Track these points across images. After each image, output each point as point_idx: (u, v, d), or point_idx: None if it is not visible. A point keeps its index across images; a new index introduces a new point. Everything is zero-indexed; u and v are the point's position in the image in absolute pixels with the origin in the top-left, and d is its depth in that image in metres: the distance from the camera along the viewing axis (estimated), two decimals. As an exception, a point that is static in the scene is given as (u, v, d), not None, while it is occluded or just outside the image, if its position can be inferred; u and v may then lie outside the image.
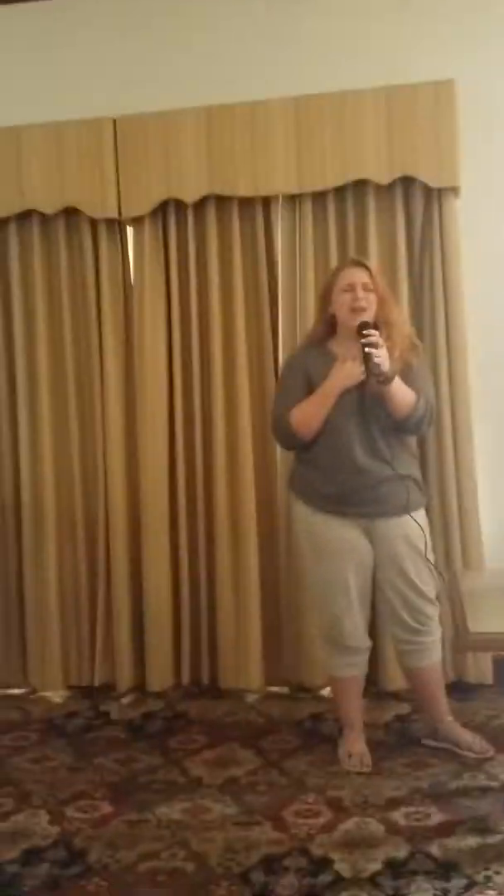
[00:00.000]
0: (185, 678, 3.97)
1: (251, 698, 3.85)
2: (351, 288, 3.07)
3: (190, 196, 3.79)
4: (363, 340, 2.93)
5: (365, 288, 3.07)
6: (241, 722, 3.60)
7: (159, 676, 3.94)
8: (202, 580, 3.95)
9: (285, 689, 3.92)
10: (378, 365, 2.91)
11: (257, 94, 3.73)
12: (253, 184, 3.75)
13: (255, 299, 3.88)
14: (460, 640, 1.90)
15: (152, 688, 3.93)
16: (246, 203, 3.83)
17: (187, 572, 3.95)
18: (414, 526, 3.11)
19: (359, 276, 3.09)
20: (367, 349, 2.91)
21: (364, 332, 2.96)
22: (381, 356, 2.92)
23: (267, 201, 3.85)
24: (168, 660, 3.96)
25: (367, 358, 2.91)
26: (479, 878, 2.40)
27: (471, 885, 2.37)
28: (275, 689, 3.93)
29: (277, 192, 3.78)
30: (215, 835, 2.70)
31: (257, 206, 3.83)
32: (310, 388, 3.11)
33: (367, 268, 3.12)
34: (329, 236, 3.79)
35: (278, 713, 3.68)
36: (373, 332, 2.96)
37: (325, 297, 3.18)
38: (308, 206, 3.79)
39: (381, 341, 2.95)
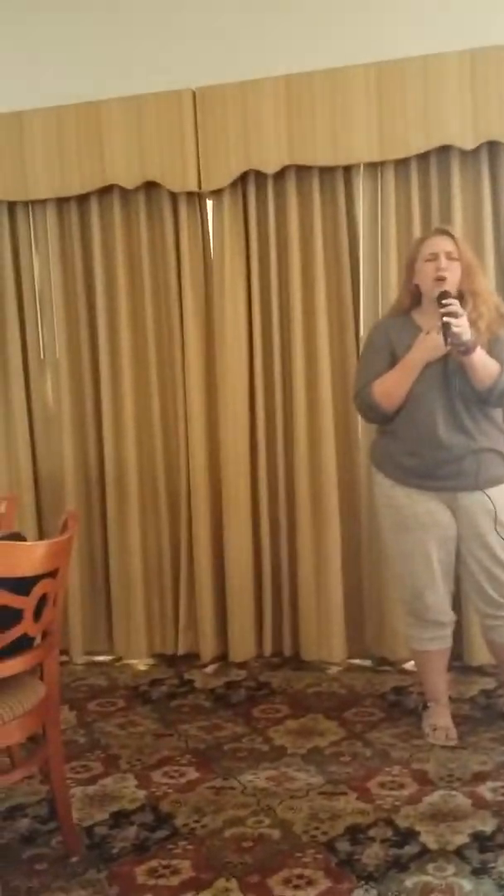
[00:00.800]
0: (268, 649, 4.01)
1: (333, 670, 3.86)
2: (434, 257, 3.02)
3: (270, 167, 3.77)
4: (442, 310, 2.88)
5: (449, 257, 3.01)
6: (323, 693, 3.61)
7: (242, 647, 3.98)
8: (284, 552, 3.98)
9: (367, 662, 3.93)
10: (458, 335, 2.86)
11: (336, 62, 3.67)
12: (333, 153, 3.71)
13: (337, 271, 3.85)
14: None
15: (235, 658, 3.98)
16: (326, 173, 3.79)
17: (269, 544, 3.97)
18: (498, 499, 3.06)
19: (443, 244, 3.03)
20: (445, 318, 2.86)
21: (443, 301, 2.91)
22: (461, 325, 2.87)
23: (348, 170, 3.80)
24: (250, 631, 4.00)
25: (445, 327, 2.86)
26: None
27: None
28: (357, 661, 3.94)
29: (358, 161, 3.73)
30: (300, 803, 2.72)
31: (338, 176, 3.79)
32: (393, 360, 3.08)
33: (451, 236, 3.07)
34: (412, 205, 3.73)
35: (361, 685, 3.68)
36: (452, 300, 2.91)
37: (409, 268, 3.14)
38: (390, 175, 3.74)
39: (460, 310, 2.90)
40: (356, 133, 3.68)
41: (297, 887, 2.30)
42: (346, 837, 2.52)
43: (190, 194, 3.92)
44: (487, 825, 2.54)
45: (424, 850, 2.43)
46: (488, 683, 3.55)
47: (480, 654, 3.62)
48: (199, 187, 3.86)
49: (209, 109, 3.81)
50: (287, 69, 3.71)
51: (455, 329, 2.86)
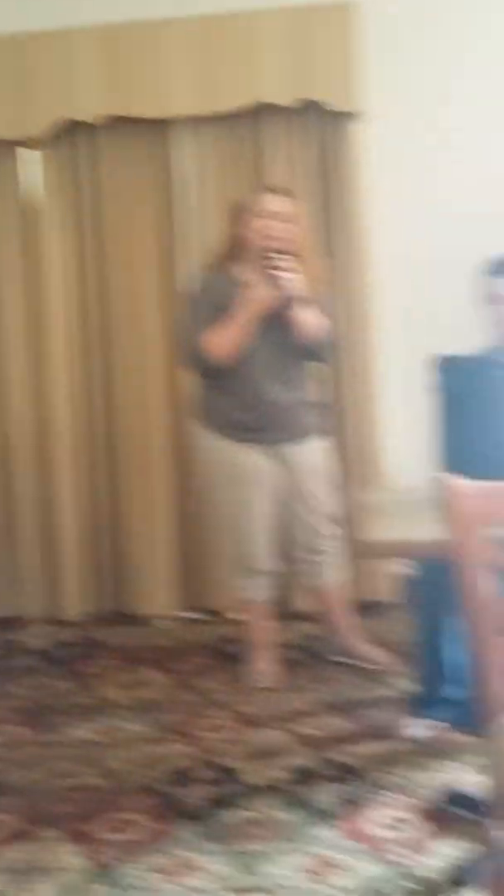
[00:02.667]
0: (98, 606, 4.00)
1: (164, 624, 3.90)
2: (266, 215, 3.04)
3: (88, 116, 3.70)
4: (269, 263, 2.93)
5: (280, 218, 3.05)
6: (152, 646, 3.65)
7: (71, 604, 3.95)
8: (113, 507, 3.96)
9: (197, 615, 3.99)
10: (285, 288, 2.92)
11: (158, 13, 3.63)
12: (154, 104, 3.68)
13: (159, 222, 3.83)
14: (354, 550, 1.96)
15: (65, 616, 3.95)
16: (148, 125, 3.76)
17: (97, 498, 3.95)
18: (318, 450, 3.17)
19: (276, 204, 3.06)
20: (272, 271, 2.91)
21: (271, 254, 2.96)
22: (289, 279, 2.93)
23: (171, 124, 3.78)
24: (80, 588, 3.96)
25: (272, 280, 2.91)
26: (380, 780, 2.50)
27: (372, 787, 2.47)
28: (187, 614, 3.99)
29: (179, 114, 3.72)
30: (126, 752, 2.75)
31: (161, 130, 3.76)
32: (220, 313, 3.09)
33: (285, 195, 3.10)
34: (233, 160, 3.75)
35: (190, 637, 3.74)
36: (278, 255, 2.96)
37: (238, 220, 3.14)
38: (210, 129, 3.74)
39: (287, 264, 2.96)
40: (177, 86, 3.66)
41: (120, 831, 2.33)
42: (169, 781, 2.57)
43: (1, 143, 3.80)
44: (305, 759, 2.65)
45: (245, 787, 2.51)
46: (311, 629, 3.68)
47: (304, 600, 3.74)
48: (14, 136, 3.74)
49: (23, 57, 3.69)
50: (106, 18, 3.64)
51: (282, 282, 2.92)
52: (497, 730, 1.54)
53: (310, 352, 3.08)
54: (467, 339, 2.77)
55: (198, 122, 3.75)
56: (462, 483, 1.57)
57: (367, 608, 3.79)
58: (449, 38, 3.73)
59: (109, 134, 3.76)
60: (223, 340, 3.05)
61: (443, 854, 2.13)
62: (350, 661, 3.30)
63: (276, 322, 3.04)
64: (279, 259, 2.94)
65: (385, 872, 2.08)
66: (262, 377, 3.06)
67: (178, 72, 3.65)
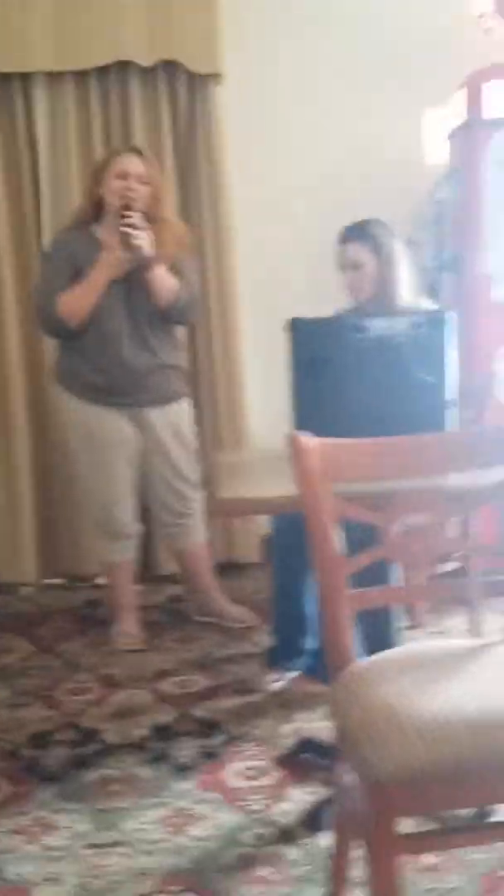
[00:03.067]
0: (-42, 575, 3.92)
1: (26, 590, 3.86)
2: (124, 175, 3.00)
3: None
4: (122, 222, 2.91)
5: (139, 179, 3.02)
6: (15, 613, 3.62)
7: None
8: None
9: (62, 580, 3.96)
10: (138, 247, 2.91)
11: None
12: (8, 58, 3.57)
13: (17, 181, 3.74)
14: (210, 506, 2.00)
15: None
16: (3, 79, 3.65)
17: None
18: (179, 413, 3.19)
19: (135, 165, 3.02)
20: (124, 230, 2.89)
21: (124, 213, 2.93)
22: (141, 238, 2.91)
23: (27, 79, 3.67)
24: None
25: (125, 239, 2.89)
26: (239, 733, 2.56)
27: (230, 739, 2.53)
28: (51, 581, 3.96)
29: (36, 69, 3.62)
30: (-14, 717, 2.74)
31: (15, 84, 3.66)
32: (75, 273, 3.05)
33: (144, 158, 3.06)
34: (92, 118, 3.69)
35: (54, 603, 3.72)
36: (132, 214, 2.94)
37: (95, 178, 3.08)
38: (70, 86, 3.66)
39: (141, 224, 2.94)
40: (34, 39, 3.56)
41: (-22, 796, 2.32)
42: (30, 744, 2.56)
43: None
44: (167, 716, 2.69)
45: (107, 746, 2.53)
46: (175, 590, 3.72)
47: (169, 564, 3.77)
48: None
49: None
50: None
51: (135, 241, 2.90)
52: (340, 677, 1.61)
53: (167, 314, 3.08)
54: (326, 303, 2.85)
55: (57, 78, 3.65)
56: (307, 440, 1.61)
57: (230, 568, 3.87)
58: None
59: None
60: (76, 301, 3.01)
61: (297, 800, 2.21)
62: (213, 620, 3.36)
63: (136, 284, 3.02)
64: (134, 220, 2.91)
65: (242, 821, 2.14)
66: (121, 339, 3.05)
67: (38, 25, 3.54)
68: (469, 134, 3.42)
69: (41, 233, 3.76)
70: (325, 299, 2.87)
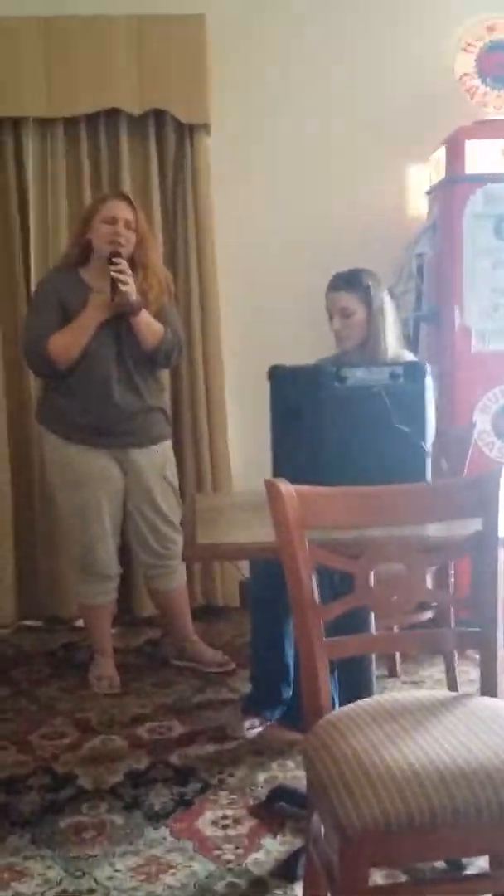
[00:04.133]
0: None
1: (3, 632, 3.83)
2: (113, 221, 3.05)
3: None
4: (111, 268, 2.96)
5: (127, 225, 3.06)
6: (-9, 655, 3.59)
7: None
8: None
9: (39, 622, 3.94)
10: (125, 294, 2.95)
11: (7, 11, 3.60)
12: (4, 103, 3.63)
13: (5, 222, 3.79)
14: (188, 552, 2.01)
15: None
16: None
17: None
18: (163, 455, 3.21)
19: (123, 211, 3.07)
20: (113, 274, 2.94)
21: (113, 259, 2.98)
22: (128, 284, 2.96)
23: (17, 124, 3.74)
24: None
25: (113, 285, 2.94)
26: (214, 780, 2.55)
27: (206, 787, 2.51)
28: (29, 622, 3.94)
29: (27, 115, 3.69)
30: (-41, 762, 2.71)
31: (6, 129, 3.72)
32: (63, 315, 3.07)
33: (132, 204, 3.12)
34: (82, 165, 3.75)
35: (31, 645, 3.69)
36: (121, 261, 2.98)
37: (84, 222, 3.13)
38: (60, 132, 3.72)
39: (129, 271, 2.98)
40: (25, 86, 3.63)
41: None
42: (3, 789, 2.53)
43: None
44: (141, 763, 2.66)
45: (81, 792, 2.51)
46: (154, 633, 3.71)
47: (148, 606, 3.76)
48: None
49: None
50: None
51: (122, 288, 2.95)
52: (314, 727, 1.61)
53: (152, 358, 3.12)
54: (309, 350, 2.89)
55: (48, 123, 3.72)
56: (285, 486, 1.63)
57: (208, 611, 3.87)
58: (286, 50, 3.85)
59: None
60: (66, 343, 3.04)
61: (271, 849, 2.19)
62: (191, 665, 3.35)
63: (125, 327, 3.06)
64: (122, 265, 2.96)
65: (215, 870, 2.12)
66: (111, 382, 3.07)
67: (30, 72, 3.62)
68: (449, 189, 3.49)
69: (29, 274, 3.80)
70: (307, 346, 2.91)
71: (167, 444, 3.28)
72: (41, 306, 3.15)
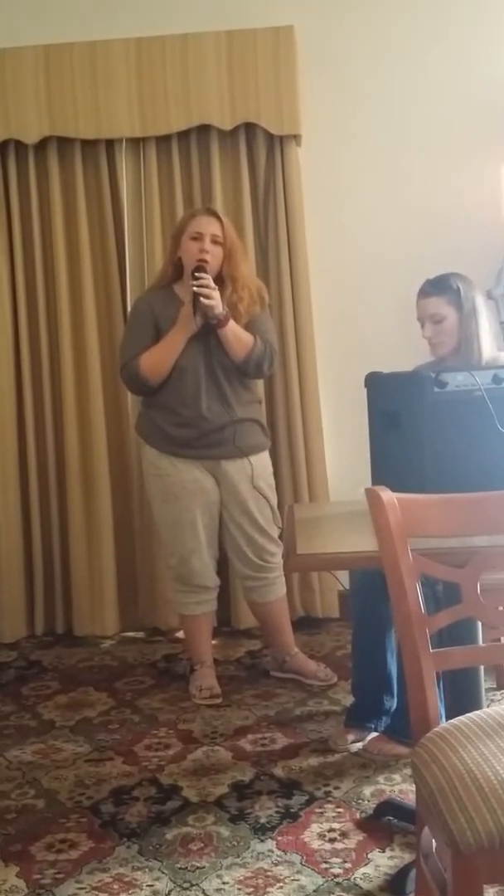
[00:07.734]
0: (39, 628, 3.97)
1: (106, 644, 3.89)
2: (199, 237, 3.09)
3: (29, 137, 3.71)
4: (193, 282, 2.99)
5: (213, 240, 3.10)
6: (95, 666, 3.63)
7: (11, 627, 3.92)
8: (55, 528, 3.95)
9: (140, 634, 3.98)
10: (208, 307, 2.98)
11: (98, 35, 3.68)
12: (95, 126, 3.71)
13: (102, 243, 3.86)
14: (288, 562, 2.00)
15: (4, 639, 3.91)
16: (89, 146, 3.79)
17: (39, 521, 3.93)
18: (257, 466, 3.21)
19: (209, 226, 3.11)
20: (195, 288, 2.96)
21: (196, 274, 3.01)
22: (212, 298, 2.98)
23: (111, 144, 3.82)
24: (20, 610, 3.94)
25: (195, 299, 2.97)
26: (319, 793, 2.52)
27: (311, 800, 2.49)
28: (130, 634, 3.99)
29: (120, 136, 3.75)
30: (66, 772, 2.74)
31: (100, 150, 3.80)
32: (157, 333, 3.14)
33: (219, 218, 3.15)
34: (174, 182, 3.80)
35: (132, 656, 3.73)
36: (204, 275, 3.01)
37: (174, 240, 3.19)
38: (152, 151, 3.78)
39: (212, 284, 3.01)
40: (118, 107, 3.70)
41: (59, 851, 2.31)
42: (110, 800, 2.56)
43: None
44: (246, 775, 2.66)
45: (186, 804, 2.52)
46: (254, 645, 3.71)
47: (247, 618, 3.76)
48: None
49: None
50: (46, 39, 3.67)
51: (205, 301, 2.98)
52: (422, 740, 1.58)
53: (243, 368, 3.13)
54: (406, 358, 2.85)
55: (139, 143, 3.78)
56: (386, 495, 1.61)
57: (309, 623, 3.85)
58: (377, 59, 3.82)
59: (51, 154, 3.78)
60: (156, 360, 3.09)
61: (379, 864, 2.16)
62: (292, 677, 3.33)
63: (214, 340, 3.08)
64: (203, 277, 2.99)
65: (323, 884, 2.10)
66: (200, 395, 3.11)
67: (120, 93, 3.69)
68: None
69: (125, 294, 3.87)
70: (402, 354, 2.87)
71: (263, 455, 3.27)
72: (134, 326, 3.23)
